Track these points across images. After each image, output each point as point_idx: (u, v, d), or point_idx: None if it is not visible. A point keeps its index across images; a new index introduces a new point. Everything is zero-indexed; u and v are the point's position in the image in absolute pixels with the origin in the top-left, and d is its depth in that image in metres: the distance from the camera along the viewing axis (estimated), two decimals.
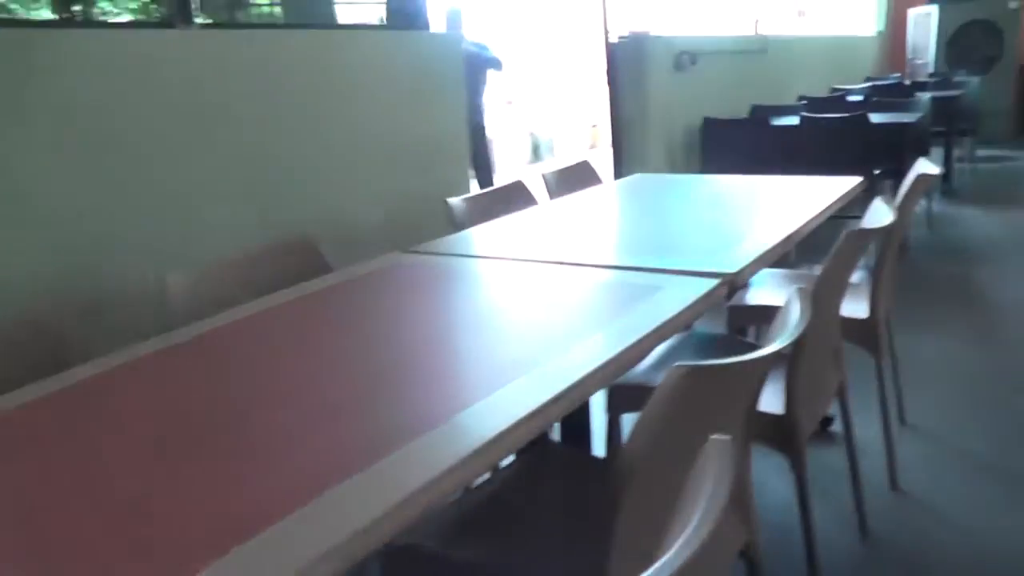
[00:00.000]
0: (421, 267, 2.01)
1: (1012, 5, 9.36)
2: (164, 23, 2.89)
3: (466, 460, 0.95)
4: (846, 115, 4.78)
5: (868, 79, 8.94)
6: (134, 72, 2.47)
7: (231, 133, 2.76)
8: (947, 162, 6.92)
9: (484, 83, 6.10)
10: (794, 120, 4.91)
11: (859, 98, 6.58)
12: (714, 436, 0.80)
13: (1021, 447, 2.69)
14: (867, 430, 2.56)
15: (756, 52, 6.45)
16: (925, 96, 5.69)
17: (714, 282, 1.62)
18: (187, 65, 2.64)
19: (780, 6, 8.12)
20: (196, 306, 1.81)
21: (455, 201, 2.63)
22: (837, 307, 2.17)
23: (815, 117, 4.85)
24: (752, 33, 6.55)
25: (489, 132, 6.52)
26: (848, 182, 2.66)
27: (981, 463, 2.62)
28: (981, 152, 8.43)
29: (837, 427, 2.79)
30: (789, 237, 2.03)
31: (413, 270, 1.98)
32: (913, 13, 10.13)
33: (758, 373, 1.27)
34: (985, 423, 2.88)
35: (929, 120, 5.56)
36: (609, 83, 4.93)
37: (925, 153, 5.49)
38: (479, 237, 2.33)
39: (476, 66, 5.99)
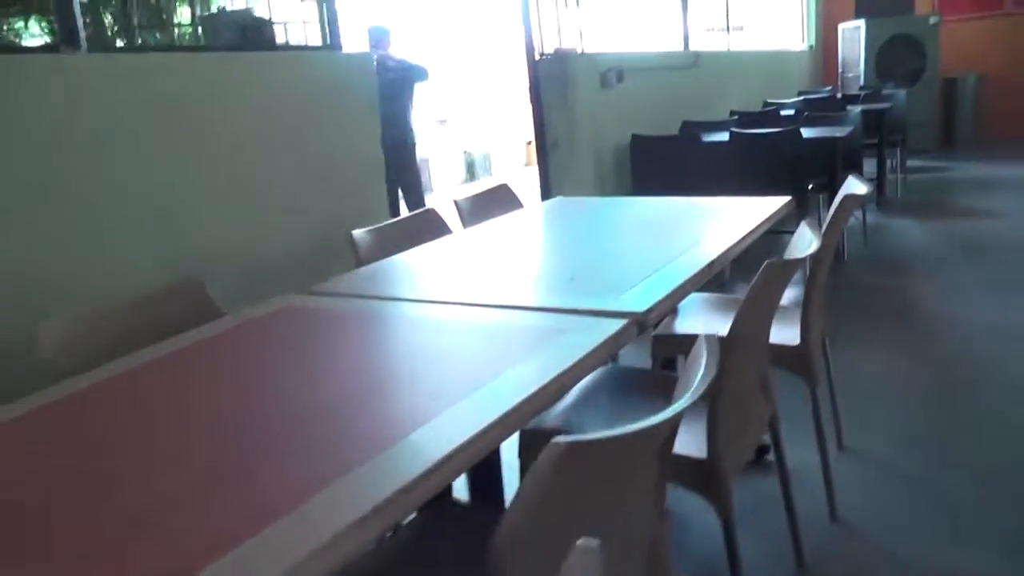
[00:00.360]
0: (317, 312, 1.81)
1: (932, 20, 9.53)
2: (50, 47, 2.66)
3: (351, 528, 0.86)
4: (777, 130, 4.71)
5: (801, 93, 9.00)
6: (13, 98, 2.24)
7: (122, 163, 2.53)
8: (880, 173, 6.94)
9: (412, 99, 5.89)
10: (724, 136, 4.82)
11: (791, 112, 6.56)
12: (580, 542, 0.70)
13: (961, 470, 2.58)
14: (804, 456, 2.43)
15: (686, 68, 6.40)
16: (856, 109, 5.67)
17: (620, 323, 1.46)
18: (72, 91, 2.41)
19: (711, 21, 8.12)
20: (71, 359, 1.63)
21: (360, 234, 2.43)
22: (764, 337, 2.03)
23: (745, 133, 4.77)
24: (682, 49, 6.49)
25: (420, 151, 6.32)
26: (775, 203, 2.53)
27: (922, 488, 2.50)
28: (911, 163, 8.51)
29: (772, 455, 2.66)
30: (711, 265, 1.89)
31: (308, 316, 1.79)
32: (843, 27, 10.26)
33: (660, 437, 1.14)
34: (926, 445, 2.77)
35: (860, 133, 5.54)
36: (533, 102, 4.79)
37: (858, 166, 5.46)
38: (381, 275, 2.13)
39: (401, 83, 5.80)
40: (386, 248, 2.41)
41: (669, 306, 1.56)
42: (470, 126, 11.20)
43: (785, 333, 2.37)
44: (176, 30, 3.87)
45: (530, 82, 4.77)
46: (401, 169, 5.94)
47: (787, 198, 2.57)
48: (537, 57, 4.72)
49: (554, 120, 4.79)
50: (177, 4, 3.94)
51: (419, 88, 6.03)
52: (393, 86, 5.75)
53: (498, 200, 3.01)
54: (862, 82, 9.63)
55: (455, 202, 2.81)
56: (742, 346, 1.58)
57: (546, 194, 4.86)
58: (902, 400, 3.12)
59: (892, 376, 3.35)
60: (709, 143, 4.94)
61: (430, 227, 2.61)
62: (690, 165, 4.88)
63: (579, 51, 4.91)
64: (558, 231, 2.63)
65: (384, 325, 1.72)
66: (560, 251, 2.34)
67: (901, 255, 5.26)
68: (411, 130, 5.93)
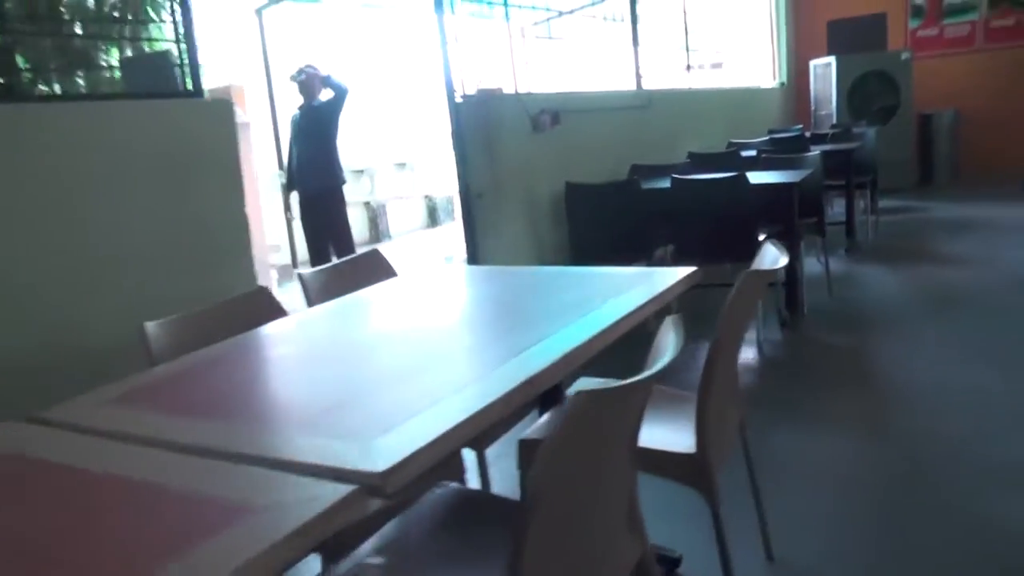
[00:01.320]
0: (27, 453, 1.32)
1: (904, 56, 9.21)
2: None
3: None
4: (720, 176, 4.27)
5: (771, 132, 8.63)
6: None
7: None
8: (849, 217, 6.51)
9: (335, 138, 5.43)
10: (667, 183, 4.38)
11: (752, 153, 6.16)
12: None
13: None
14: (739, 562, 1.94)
15: (638, 108, 5.99)
16: (815, 152, 5.25)
17: (345, 490, 0.98)
18: None
19: (676, 59, 7.74)
20: None
21: (152, 327, 1.96)
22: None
23: (686, 179, 4.33)
24: (634, 88, 6.09)
25: (376, 196, 5.87)
26: (671, 276, 2.06)
27: None
28: (884, 203, 8.10)
29: (686, 568, 2.21)
30: (525, 388, 1.37)
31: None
32: (814, 64, 9.92)
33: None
34: (873, 551, 2.28)
35: (820, 176, 5.11)
36: (455, 147, 4.36)
37: (818, 212, 5.02)
38: (135, 393, 1.63)
39: (318, 121, 5.36)
40: (189, 342, 1.94)
41: (426, 464, 1.08)
42: (432, 170, 10.77)
43: (676, 437, 1.90)
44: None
45: (451, 126, 4.34)
46: (328, 220, 5.50)
47: (691, 269, 2.10)
48: (458, 98, 4.30)
49: (479, 168, 4.35)
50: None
51: (343, 114, 5.50)
52: (309, 128, 5.33)
53: (363, 270, 2.54)
54: (834, 120, 9.27)
55: (300, 276, 2.35)
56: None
57: (472, 249, 4.41)
58: (849, 492, 2.63)
59: (839, 460, 2.87)
60: (649, 191, 4.50)
61: (258, 310, 2.14)
62: (629, 216, 4.44)
63: (507, 91, 4.49)
64: (384, 319, 2.15)
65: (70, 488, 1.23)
66: (342, 360, 1.77)
67: (866, 309, 4.79)
68: (337, 175, 5.49)
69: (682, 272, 2.10)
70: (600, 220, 4.52)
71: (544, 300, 2.05)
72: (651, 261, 4.50)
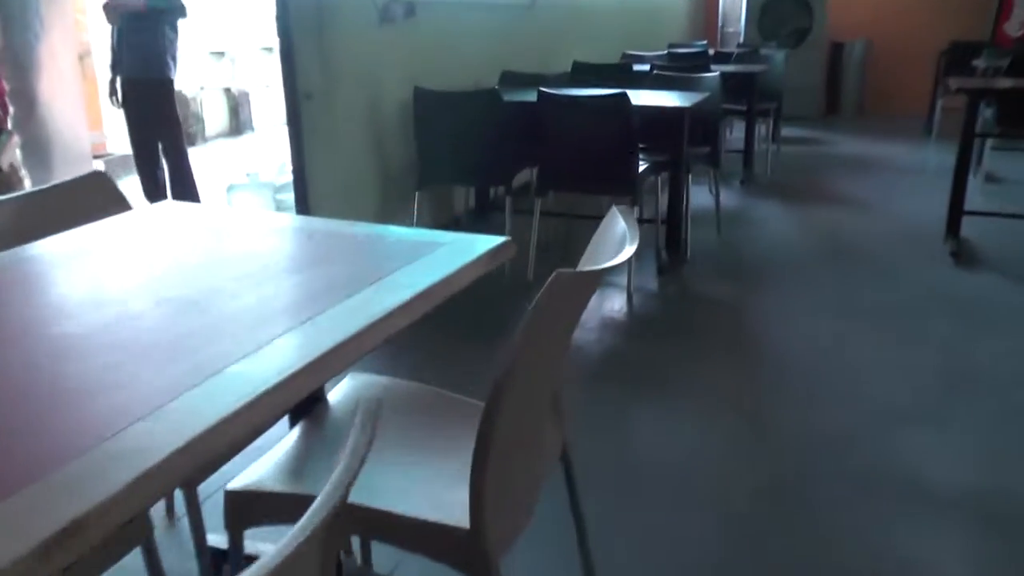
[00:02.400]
0: None
1: None
2: None
3: None
4: (597, 94, 3.57)
5: (671, 46, 7.95)
6: None
7: None
8: (747, 146, 5.96)
9: (174, 30, 4.61)
10: (533, 97, 3.65)
11: (645, 68, 5.47)
12: None
13: None
14: None
15: (519, 7, 5.18)
16: (713, 73, 4.58)
17: None
18: None
19: None
20: None
21: None
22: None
23: (555, 95, 3.61)
24: None
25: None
26: (484, 243, 1.38)
27: None
28: (788, 132, 7.61)
29: None
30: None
31: None
32: None
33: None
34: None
35: (719, 100, 4.47)
36: (279, 36, 3.50)
37: (712, 141, 4.39)
38: None
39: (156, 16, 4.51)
40: None
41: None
42: (250, 61, 9.49)
43: (447, 494, 1.24)
44: None
45: (276, 9, 3.47)
46: (153, 114, 4.62)
47: (501, 239, 1.40)
48: None
49: (309, 62, 3.52)
50: None
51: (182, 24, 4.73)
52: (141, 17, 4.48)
53: (78, 200, 1.75)
54: (742, 39, 8.65)
55: None
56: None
57: (299, 163, 3.61)
58: (706, 507, 2.07)
59: (699, 459, 2.30)
60: (512, 105, 3.77)
61: None
62: (488, 133, 3.71)
63: None
64: (63, 287, 1.38)
65: None
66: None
67: (754, 254, 4.25)
68: (168, 64, 4.61)
69: (492, 243, 1.40)
70: (453, 136, 3.78)
71: (299, 275, 1.32)
72: (509, 189, 3.80)
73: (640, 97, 3.94)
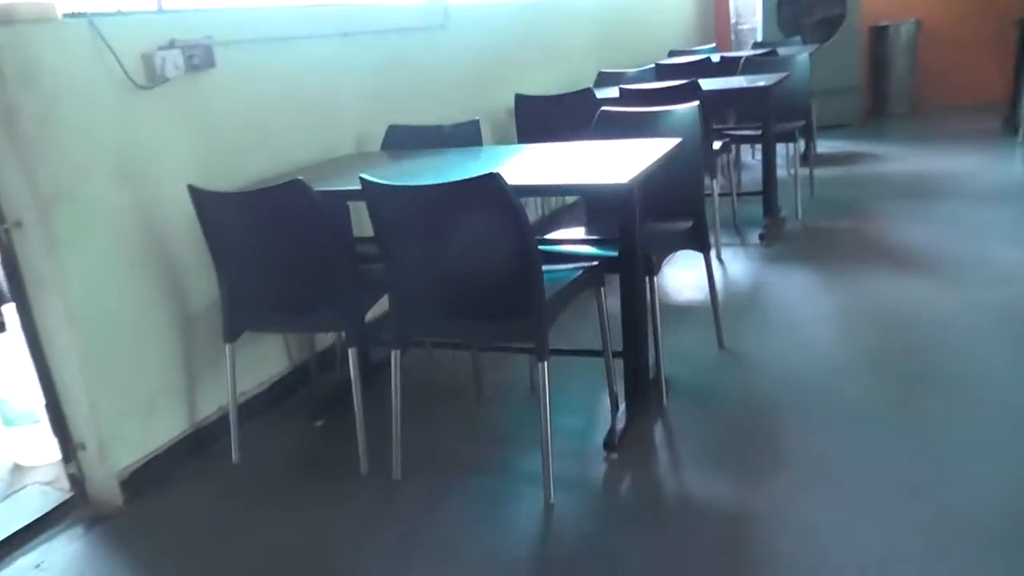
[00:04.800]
0: None
1: None
2: None
3: None
4: (458, 180, 2.09)
5: (672, 53, 6.47)
6: None
7: None
8: (766, 185, 4.42)
9: None
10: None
11: (614, 92, 4.03)
12: None
13: None
14: None
15: (420, 31, 3.74)
16: (685, 107, 3.00)
17: None
18: None
19: None
20: None
21: None
22: None
23: (382, 187, 2.14)
24: (426, 1, 3.83)
25: None
26: None
27: None
28: (823, 146, 6.06)
29: None
30: None
31: None
32: None
33: None
34: None
35: (700, 148, 2.97)
36: None
37: (693, 211, 2.88)
38: None
39: None
40: None
41: None
42: None
43: None
44: None
45: None
46: None
47: None
48: None
49: (7, 170, 2.14)
50: None
51: None
52: None
53: None
54: (759, 36, 7.10)
55: None
56: None
57: (27, 321, 2.24)
58: None
59: None
60: (352, 197, 2.35)
61: None
62: (312, 249, 2.30)
63: (67, 9, 2.23)
64: None
65: None
66: None
67: (772, 393, 2.71)
68: None
69: None
70: (262, 257, 2.36)
71: None
72: (355, 336, 2.37)
73: (571, 159, 2.49)
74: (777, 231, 4.34)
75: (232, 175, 2.65)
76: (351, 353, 2.33)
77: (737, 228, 4.47)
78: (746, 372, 2.81)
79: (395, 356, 2.27)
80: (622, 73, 5.13)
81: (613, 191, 2.11)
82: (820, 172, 5.33)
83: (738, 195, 4.65)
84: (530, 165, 2.56)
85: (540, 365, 2.06)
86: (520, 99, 4.15)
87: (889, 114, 7.52)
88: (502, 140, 4.26)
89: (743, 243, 4.22)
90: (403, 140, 3.23)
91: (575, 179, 2.31)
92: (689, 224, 2.82)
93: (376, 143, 3.25)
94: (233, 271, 2.40)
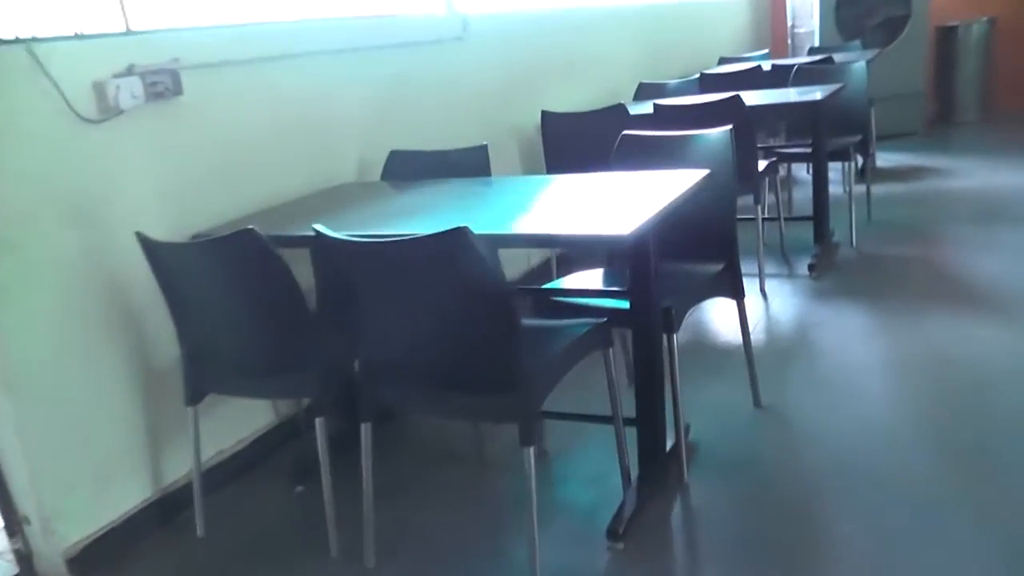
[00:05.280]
0: None
1: None
2: None
3: None
4: (422, 236, 1.78)
5: (722, 60, 6.08)
6: None
7: None
8: (817, 210, 4.02)
9: None
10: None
11: (647, 108, 3.68)
12: None
13: None
14: None
15: (436, 45, 3.45)
16: (717, 132, 2.63)
17: None
18: None
19: None
20: None
21: None
22: None
23: (333, 241, 1.84)
24: (444, 11, 3.54)
25: None
26: None
27: None
28: (882, 158, 5.61)
29: None
30: None
31: None
32: None
33: None
34: None
35: (734, 176, 2.62)
36: None
37: (726, 254, 2.52)
38: None
39: None
40: None
41: None
42: None
43: None
44: None
45: None
46: None
47: None
48: None
49: None
50: None
51: None
52: None
53: None
54: (816, 41, 6.64)
55: None
56: None
57: None
58: None
59: None
60: (327, 245, 2.07)
61: None
62: (275, 307, 2.02)
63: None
64: None
65: None
66: None
67: (818, 486, 2.35)
68: None
69: None
70: (223, 314, 2.09)
71: None
72: (323, 404, 2.08)
73: (580, 195, 2.18)
74: (828, 260, 3.93)
75: (203, 216, 2.39)
76: (318, 424, 2.04)
77: (784, 255, 4.08)
78: (785, 439, 2.45)
79: (365, 431, 1.96)
80: (664, 85, 4.77)
81: (611, 243, 1.77)
82: (878, 189, 4.90)
83: (786, 219, 4.25)
84: (530, 204, 2.24)
85: (525, 451, 1.74)
86: (547, 116, 3.83)
87: (956, 122, 6.99)
88: (530, 161, 3.94)
89: (790, 274, 3.83)
90: (405, 166, 2.93)
91: (568, 227, 1.96)
92: (720, 267, 2.46)
93: (373, 173, 2.96)
94: (192, 327, 2.13)
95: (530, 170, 3.95)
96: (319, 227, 1.76)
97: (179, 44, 2.36)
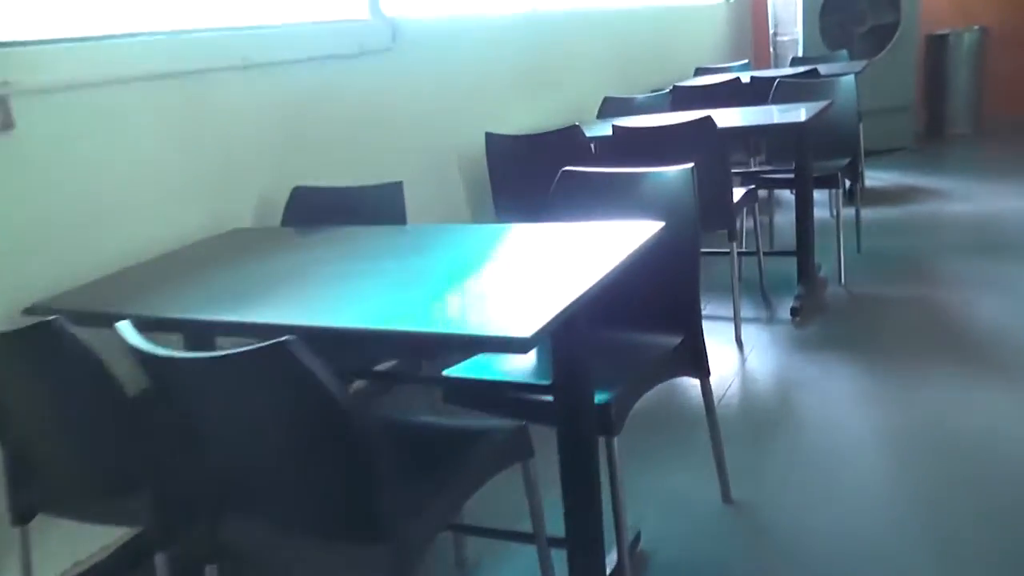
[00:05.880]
0: None
1: None
2: None
3: None
4: (249, 349, 1.32)
5: (699, 71, 5.67)
6: None
7: None
8: (800, 244, 3.58)
9: None
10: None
11: (606, 130, 3.22)
12: None
13: None
14: None
15: (347, 58, 2.98)
16: (678, 169, 2.15)
17: None
18: None
19: None
20: None
21: None
22: None
23: (159, 359, 1.38)
24: (367, 17, 3.07)
25: None
26: None
27: None
28: (871, 177, 5.19)
29: None
30: None
31: None
32: None
33: None
34: None
35: (696, 220, 2.17)
36: None
37: (686, 322, 2.07)
38: None
39: None
40: None
41: None
42: None
43: None
44: None
45: None
46: None
47: None
48: None
49: None
50: None
51: None
52: None
53: None
54: (800, 50, 6.22)
55: None
56: None
57: None
58: None
59: None
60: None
61: None
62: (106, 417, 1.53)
63: None
64: None
65: None
66: None
67: (792, 554, 1.89)
68: None
69: None
70: (36, 420, 1.62)
71: None
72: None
73: (495, 263, 1.72)
74: (814, 302, 3.49)
75: (41, 283, 1.90)
76: (158, 561, 1.56)
77: (764, 295, 3.63)
78: (758, 544, 1.99)
79: (210, 573, 1.49)
80: (631, 100, 4.32)
81: (507, 346, 1.31)
82: (868, 213, 4.47)
83: (766, 254, 3.80)
84: (427, 274, 1.76)
85: None
86: (492, 139, 3.37)
87: (948, 136, 6.59)
88: (474, 191, 3.48)
89: (770, 319, 3.38)
90: (311, 206, 2.47)
91: (453, 323, 1.47)
92: (678, 340, 2.00)
93: (274, 217, 2.49)
94: (11, 432, 1.65)
95: (475, 200, 3.48)
96: (121, 327, 1.29)
97: (9, 63, 1.88)
